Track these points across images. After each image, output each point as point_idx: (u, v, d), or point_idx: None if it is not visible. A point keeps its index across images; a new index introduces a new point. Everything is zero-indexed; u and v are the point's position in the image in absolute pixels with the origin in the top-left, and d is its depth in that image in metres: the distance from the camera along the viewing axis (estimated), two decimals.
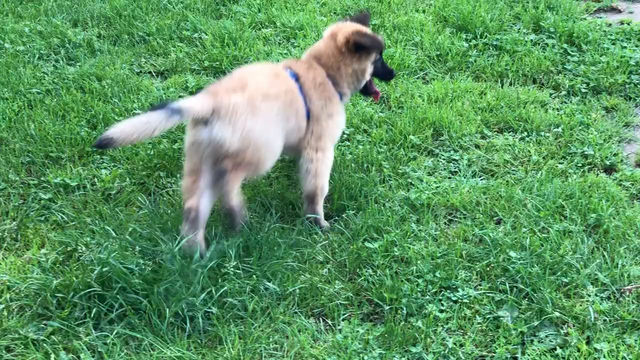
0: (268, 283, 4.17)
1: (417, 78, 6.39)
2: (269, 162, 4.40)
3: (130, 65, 6.53)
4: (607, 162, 5.35)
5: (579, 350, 3.82)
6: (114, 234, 4.44)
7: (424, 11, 7.50)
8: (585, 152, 5.43)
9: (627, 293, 4.18)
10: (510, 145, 5.53)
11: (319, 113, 4.63)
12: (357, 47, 4.69)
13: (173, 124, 4.07)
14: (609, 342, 3.87)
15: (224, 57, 6.50)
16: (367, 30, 4.82)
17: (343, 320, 4.04)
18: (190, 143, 4.25)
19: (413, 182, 5.09)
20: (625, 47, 6.77)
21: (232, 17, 7.34)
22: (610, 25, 7.32)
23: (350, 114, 5.74)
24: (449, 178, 5.20)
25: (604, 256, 4.43)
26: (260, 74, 4.48)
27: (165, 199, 4.88)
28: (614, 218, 4.71)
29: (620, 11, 7.74)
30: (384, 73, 5.00)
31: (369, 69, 4.83)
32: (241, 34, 6.83)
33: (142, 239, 4.37)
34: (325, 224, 4.70)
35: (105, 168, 5.20)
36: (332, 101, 4.70)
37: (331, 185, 4.89)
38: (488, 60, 6.58)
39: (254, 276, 4.19)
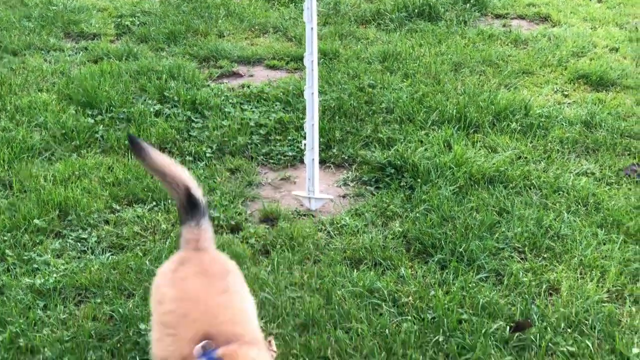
0: None
1: (43, 159, 6.27)
2: None
3: None
4: (233, 222, 5.58)
5: None
6: None
7: (47, 90, 7.40)
8: (212, 215, 5.61)
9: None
10: (139, 216, 5.58)
11: None
12: None
13: None
14: None
15: None
16: None
17: None
18: None
19: (39, 267, 4.97)
20: (245, 110, 7.14)
21: None
22: (232, 89, 7.68)
23: None
24: (78, 258, 5.14)
25: None
26: None
27: None
28: None
29: (241, 75, 8.16)
30: None
31: None
32: None
33: None
34: None
35: None
36: None
37: None
38: (115, 135, 6.62)
39: None
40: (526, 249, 5.21)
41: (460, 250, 5.14)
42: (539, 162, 6.29)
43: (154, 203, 5.75)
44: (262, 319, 4.55)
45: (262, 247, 5.34)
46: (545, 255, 5.16)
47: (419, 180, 5.98)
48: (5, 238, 5.23)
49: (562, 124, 6.85)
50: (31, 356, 4.23)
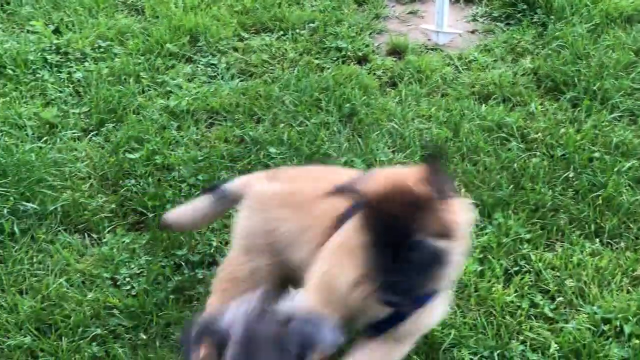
0: (27, 203, 4.09)
1: None
2: None
3: None
4: (360, 54, 5.55)
5: None
6: None
7: None
8: (340, 46, 5.59)
9: None
10: (267, 45, 5.61)
11: None
12: None
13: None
14: None
15: None
16: None
17: (108, 232, 4.03)
18: None
19: (172, 90, 5.08)
20: None
21: None
22: None
23: (106, 26, 5.66)
24: (209, 83, 5.23)
25: (359, 143, 4.63)
26: None
27: None
28: (367, 106, 4.93)
29: None
30: None
31: None
32: None
33: None
34: None
35: None
36: None
37: (87, 99, 4.87)
38: None
39: (11, 198, 4.09)
40: None
41: (594, 88, 5.00)
42: None
43: (282, 32, 5.75)
44: (389, 148, 4.59)
45: (389, 79, 5.31)
46: None
47: (552, 16, 5.78)
48: (140, 61, 5.34)
49: None
50: (167, 172, 4.38)
